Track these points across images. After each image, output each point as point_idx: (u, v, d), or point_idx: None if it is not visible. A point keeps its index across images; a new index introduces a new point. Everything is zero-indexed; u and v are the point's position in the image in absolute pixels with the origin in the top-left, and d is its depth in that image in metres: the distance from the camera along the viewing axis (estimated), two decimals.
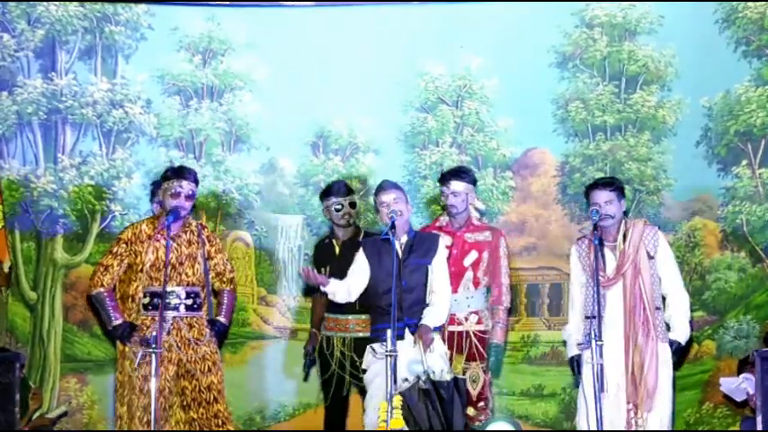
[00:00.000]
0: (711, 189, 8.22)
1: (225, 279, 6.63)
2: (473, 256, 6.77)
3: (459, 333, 6.71)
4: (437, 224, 6.92)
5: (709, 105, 8.17)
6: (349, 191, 7.30)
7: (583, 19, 8.26)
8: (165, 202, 6.39)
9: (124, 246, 6.39)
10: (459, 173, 6.82)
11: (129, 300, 6.40)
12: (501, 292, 6.78)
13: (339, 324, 7.13)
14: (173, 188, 6.35)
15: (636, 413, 6.10)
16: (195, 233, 6.50)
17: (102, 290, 6.33)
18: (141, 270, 6.33)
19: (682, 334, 6.22)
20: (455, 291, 6.58)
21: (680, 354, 6.34)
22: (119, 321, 6.29)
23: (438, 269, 6.30)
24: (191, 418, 6.39)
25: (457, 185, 6.74)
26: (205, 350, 6.40)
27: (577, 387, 6.23)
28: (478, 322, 6.76)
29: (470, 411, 6.63)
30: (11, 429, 6.10)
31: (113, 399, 6.54)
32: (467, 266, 6.75)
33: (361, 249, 6.39)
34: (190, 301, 6.40)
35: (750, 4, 8.05)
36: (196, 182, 6.48)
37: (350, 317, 7.03)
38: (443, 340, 6.44)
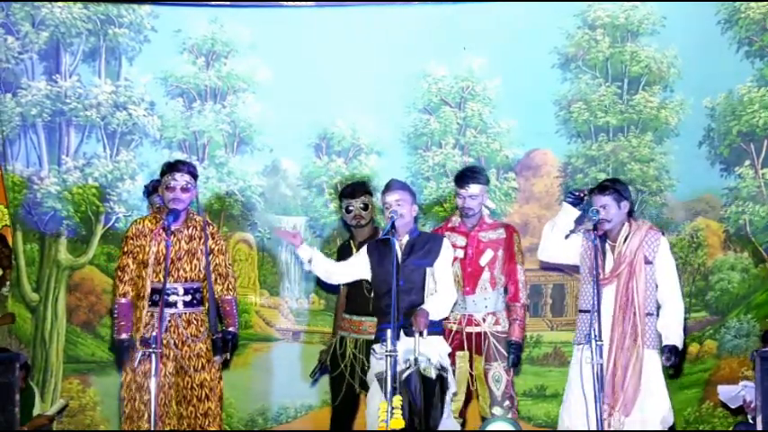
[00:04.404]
0: (714, 189, 8.22)
1: (230, 286, 6.56)
2: (489, 254, 6.66)
3: (478, 334, 6.64)
4: (449, 225, 6.80)
5: (711, 106, 8.17)
6: (364, 192, 7.18)
7: (585, 20, 8.25)
8: (163, 197, 6.41)
9: (131, 242, 6.39)
10: (476, 175, 6.67)
11: (141, 296, 6.39)
12: (518, 288, 6.70)
13: (353, 325, 7.09)
14: (167, 182, 6.36)
15: (610, 414, 6.07)
16: (198, 228, 6.46)
17: (122, 300, 6.32)
18: (145, 266, 6.34)
19: (678, 339, 6.14)
20: (472, 292, 6.57)
21: (679, 360, 6.25)
22: (120, 337, 6.29)
23: (440, 272, 6.21)
24: (180, 414, 6.40)
25: (475, 188, 6.61)
26: (200, 347, 6.38)
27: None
28: (496, 323, 6.68)
29: (497, 411, 6.61)
30: (11, 429, 6.12)
31: (119, 398, 6.53)
32: (483, 266, 6.65)
33: (364, 248, 6.41)
34: (188, 297, 6.40)
35: (752, 4, 8.04)
36: (192, 174, 6.43)
37: (364, 318, 6.98)
38: (462, 341, 6.51)
